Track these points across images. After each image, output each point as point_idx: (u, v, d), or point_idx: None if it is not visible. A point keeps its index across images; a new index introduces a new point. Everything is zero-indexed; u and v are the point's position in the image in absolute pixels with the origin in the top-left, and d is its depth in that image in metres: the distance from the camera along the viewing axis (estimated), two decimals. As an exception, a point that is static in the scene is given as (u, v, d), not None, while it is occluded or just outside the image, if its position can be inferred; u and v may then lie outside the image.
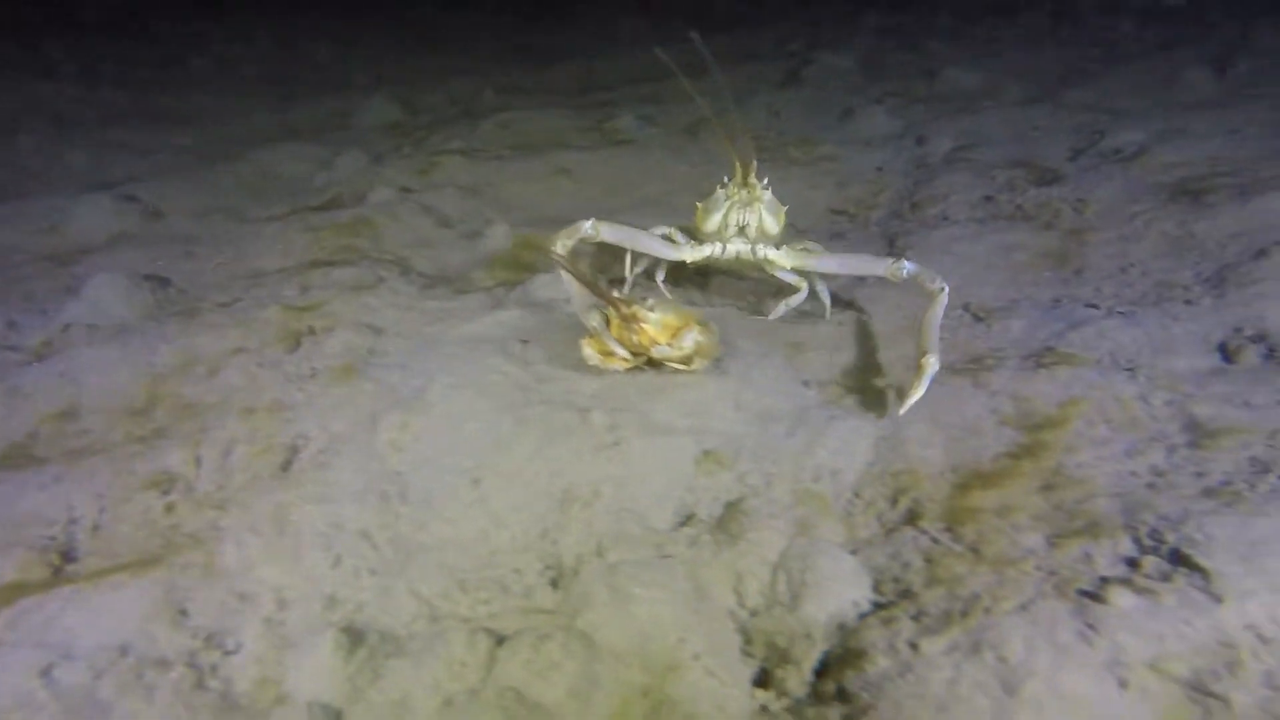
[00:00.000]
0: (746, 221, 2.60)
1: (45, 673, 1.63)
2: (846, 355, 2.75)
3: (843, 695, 1.55)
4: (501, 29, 10.26)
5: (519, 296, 2.99)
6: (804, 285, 2.81)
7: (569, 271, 2.28)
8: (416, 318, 2.93)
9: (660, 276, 3.03)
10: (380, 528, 1.99)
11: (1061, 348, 2.67)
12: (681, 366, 2.28)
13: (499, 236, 3.67)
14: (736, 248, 2.67)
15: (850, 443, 2.21)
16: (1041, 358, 2.59)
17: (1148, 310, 2.86)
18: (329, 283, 3.23)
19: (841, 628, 1.70)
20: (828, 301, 2.88)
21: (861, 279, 3.16)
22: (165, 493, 2.17)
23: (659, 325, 2.19)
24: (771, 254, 2.68)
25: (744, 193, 2.57)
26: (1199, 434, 2.21)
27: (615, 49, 8.33)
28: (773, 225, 2.63)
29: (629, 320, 2.17)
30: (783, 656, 1.69)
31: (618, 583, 1.72)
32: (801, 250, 2.74)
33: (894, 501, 2.08)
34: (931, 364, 2.21)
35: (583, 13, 10.78)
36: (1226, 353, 2.57)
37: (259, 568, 1.90)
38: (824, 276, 2.85)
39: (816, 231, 3.96)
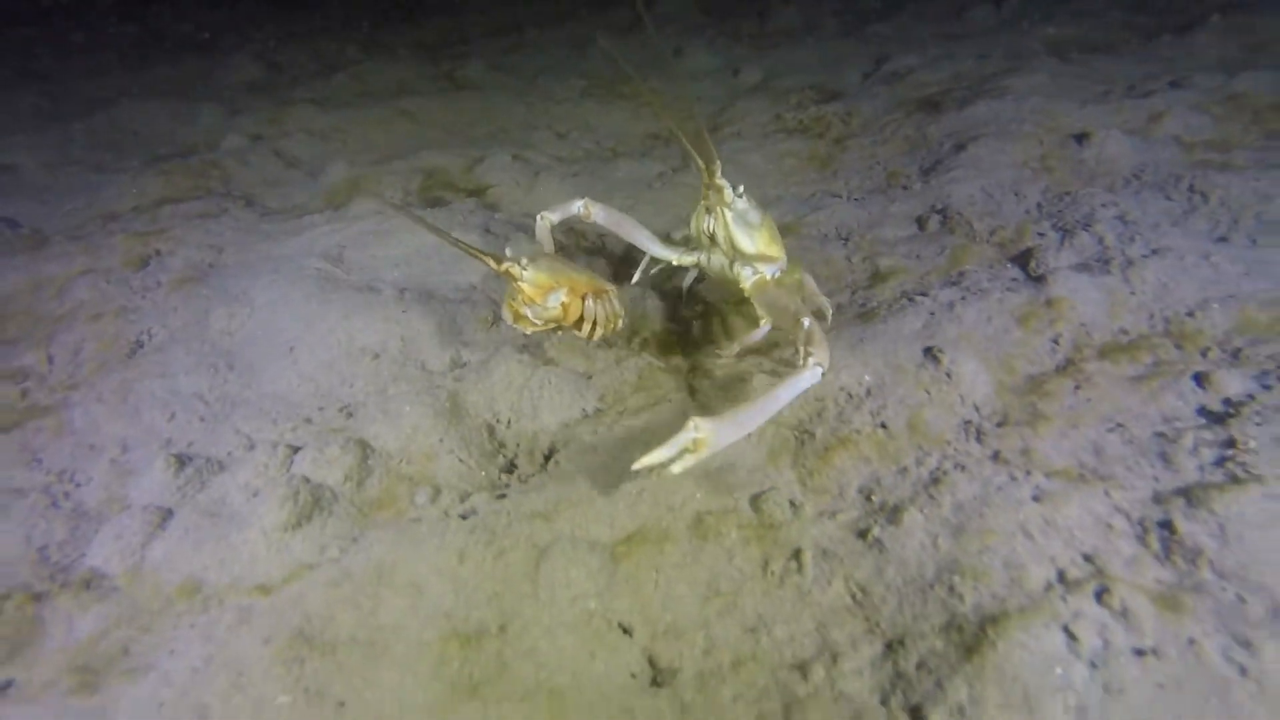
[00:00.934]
0: (714, 229, 2.23)
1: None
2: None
3: (554, 462, 2.08)
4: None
5: (340, 215, 3.39)
6: (766, 321, 2.22)
7: (451, 240, 2.02)
8: (254, 239, 3.30)
9: (636, 275, 2.62)
10: (210, 389, 2.41)
11: (798, 225, 3.25)
12: (578, 334, 2.21)
13: (337, 173, 4.03)
14: (717, 260, 2.30)
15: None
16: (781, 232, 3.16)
17: (876, 196, 3.46)
18: (176, 214, 3.54)
19: (566, 426, 2.22)
20: (736, 346, 2.34)
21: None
22: (19, 383, 2.53)
23: (533, 284, 2.07)
24: (744, 274, 2.24)
25: (711, 195, 2.19)
26: (875, 279, 2.81)
27: (486, 4, 8.56)
28: (745, 241, 2.21)
29: (506, 278, 2.08)
30: (526, 450, 2.21)
31: (391, 405, 2.20)
32: (772, 282, 2.24)
33: (632, 336, 2.61)
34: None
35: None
36: (920, 223, 3.19)
37: (104, 426, 2.30)
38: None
39: (633, 152, 4.46)
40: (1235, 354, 2.11)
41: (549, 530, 1.81)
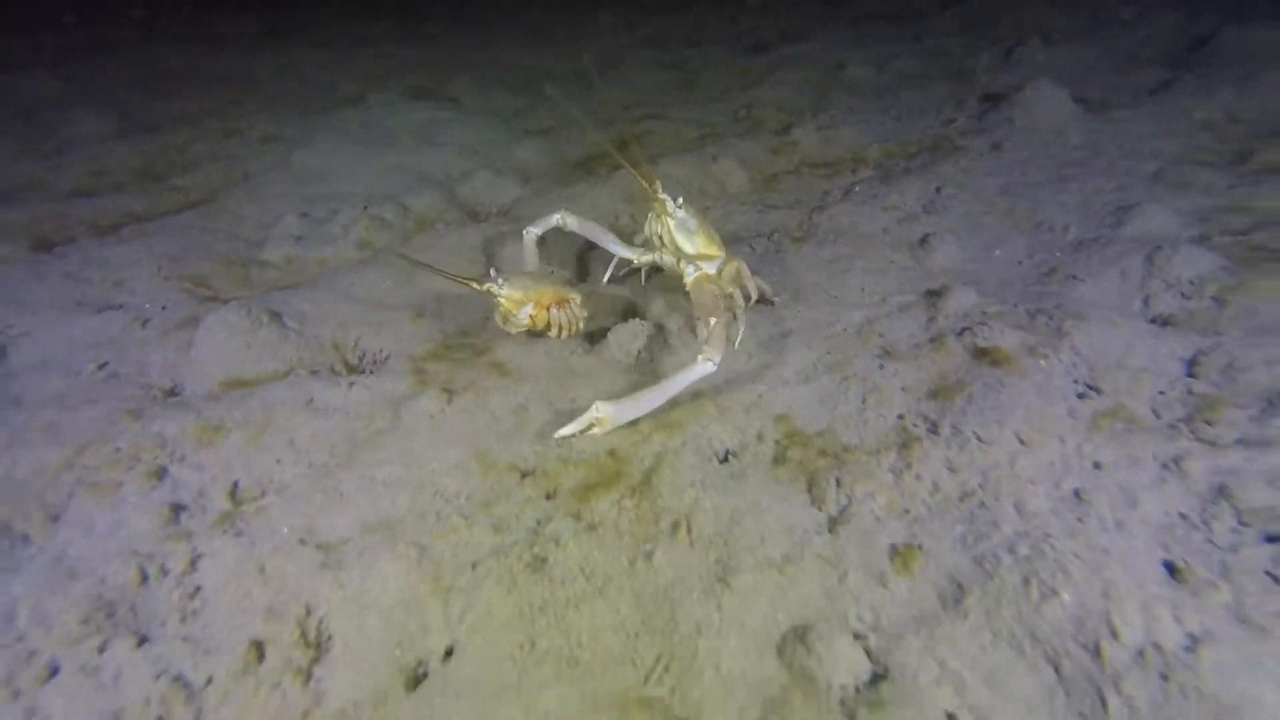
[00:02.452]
0: (660, 234, 2.55)
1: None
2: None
3: (510, 213, 3.79)
4: None
5: (358, 106, 5.02)
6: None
7: (438, 271, 2.43)
8: (303, 119, 4.89)
9: (606, 276, 2.90)
10: (302, 190, 4.03)
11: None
12: (549, 334, 2.52)
13: (347, 87, 5.60)
14: (667, 260, 2.62)
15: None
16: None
17: (716, 104, 5.22)
18: (244, 110, 5.10)
19: (517, 200, 3.92)
20: (737, 338, 2.47)
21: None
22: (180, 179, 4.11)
23: (508, 300, 2.40)
24: (687, 271, 2.55)
25: (655, 206, 2.52)
26: (705, 139, 4.57)
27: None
28: (685, 244, 2.51)
29: (488, 296, 2.41)
30: (494, 210, 3.89)
31: (415, 192, 3.87)
32: (709, 278, 2.51)
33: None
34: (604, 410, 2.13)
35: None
36: (735, 114, 4.96)
37: (246, 209, 3.91)
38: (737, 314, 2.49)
39: (559, 78, 6.12)
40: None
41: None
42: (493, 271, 2.40)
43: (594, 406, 2.13)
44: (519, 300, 2.40)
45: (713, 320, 2.24)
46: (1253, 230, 2.94)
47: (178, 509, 2.09)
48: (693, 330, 2.59)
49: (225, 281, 3.25)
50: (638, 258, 2.74)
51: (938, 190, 3.50)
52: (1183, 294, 2.68)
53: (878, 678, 1.58)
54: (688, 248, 2.53)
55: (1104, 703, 1.49)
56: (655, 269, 2.81)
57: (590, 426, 2.15)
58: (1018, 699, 1.52)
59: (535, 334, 2.58)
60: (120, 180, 4.20)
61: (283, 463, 2.25)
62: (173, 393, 2.59)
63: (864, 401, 2.31)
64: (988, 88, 4.63)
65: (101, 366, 2.69)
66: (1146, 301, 2.71)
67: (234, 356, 2.65)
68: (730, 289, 2.54)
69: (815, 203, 3.56)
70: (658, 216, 2.54)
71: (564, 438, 2.15)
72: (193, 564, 1.93)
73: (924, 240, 3.12)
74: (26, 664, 1.67)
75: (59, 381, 2.61)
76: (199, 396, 2.53)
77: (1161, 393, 2.28)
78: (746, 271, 2.60)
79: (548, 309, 2.44)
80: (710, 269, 2.56)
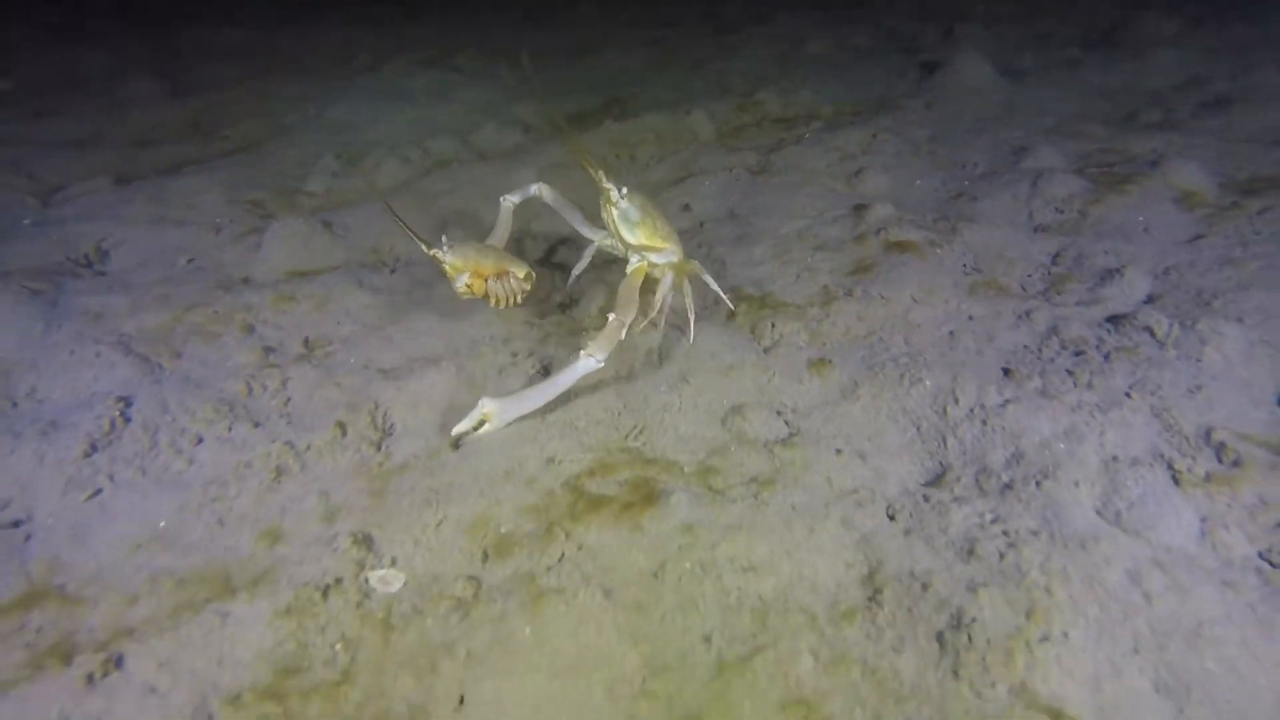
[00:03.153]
0: (606, 220, 2.58)
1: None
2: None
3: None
4: None
5: (374, 73, 5.63)
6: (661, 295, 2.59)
7: (401, 223, 2.36)
8: (331, 84, 5.49)
9: (580, 267, 2.92)
10: (349, 129, 4.64)
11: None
12: (489, 304, 2.52)
13: (364, 60, 6.20)
14: (617, 245, 2.65)
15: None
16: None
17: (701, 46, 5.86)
18: (274, 80, 5.69)
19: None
20: (690, 334, 2.57)
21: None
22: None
23: (450, 267, 2.43)
24: (632, 260, 2.57)
25: (601, 196, 2.53)
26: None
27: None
28: (627, 234, 2.54)
29: (434, 261, 2.42)
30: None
31: (474, 127, 4.49)
32: (647, 269, 2.57)
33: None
34: (491, 408, 2.20)
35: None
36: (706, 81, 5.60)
37: (282, 158, 4.51)
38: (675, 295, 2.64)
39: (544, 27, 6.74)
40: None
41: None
42: (444, 238, 2.45)
43: (481, 402, 2.21)
44: (458, 269, 2.42)
45: (610, 316, 2.28)
46: (1116, 165, 3.61)
47: (267, 350, 2.70)
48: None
49: (277, 205, 3.85)
50: (599, 240, 2.76)
51: (874, 137, 4.15)
52: (1057, 209, 3.34)
53: (791, 435, 2.22)
54: (629, 238, 2.55)
55: (944, 442, 2.14)
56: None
57: (480, 424, 2.23)
58: (889, 448, 2.16)
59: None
60: (175, 133, 4.79)
61: (342, 323, 2.87)
62: (246, 280, 3.20)
63: (798, 277, 2.96)
64: (927, 59, 5.29)
65: (189, 261, 3.29)
66: (1030, 215, 3.36)
67: (296, 253, 3.27)
68: (675, 287, 2.59)
69: (772, 147, 4.20)
70: (604, 205, 2.55)
71: (458, 435, 2.24)
72: (283, 384, 2.54)
73: (858, 173, 3.78)
74: (181, 434, 2.28)
75: (158, 272, 3.21)
76: (270, 282, 3.14)
77: (1029, 274, 2.94)
78: (702, 271, 2.63)
79: (485, 280, 2.48)
80: (658, 260, 2.56)
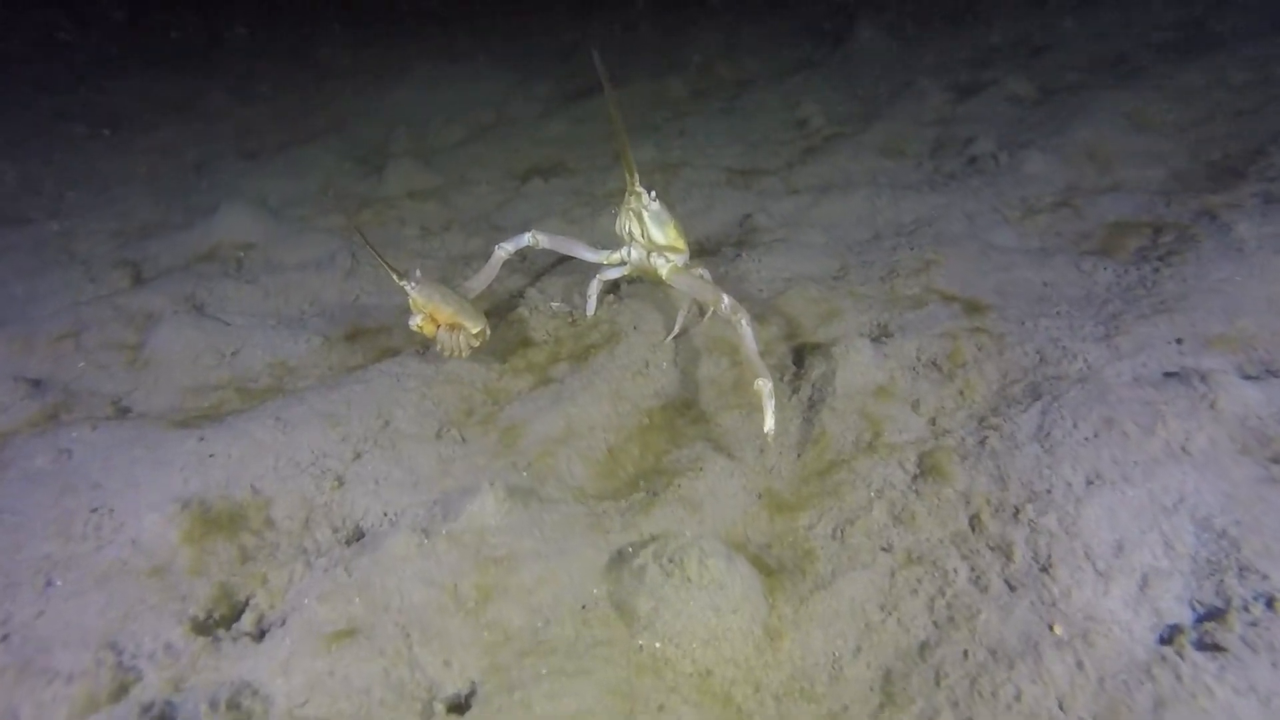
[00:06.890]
0: (633, 228, 2.56)
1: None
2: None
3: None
4: None
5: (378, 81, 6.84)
6: (684, 306, 2.74)
7: (378, 256, 2.34)
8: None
9: (593, 289, 2.89)
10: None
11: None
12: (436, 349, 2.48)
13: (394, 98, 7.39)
14: (636, 254, 2.62)
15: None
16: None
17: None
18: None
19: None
20: (676, 328, 2.73)
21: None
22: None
23: (412, 303, 2.40)
24: (659, 263, 2.58)
25: (632, 200, 2.52)
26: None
27: None
28: (658, 234, 2.56)
29: (401, 291, 2.38)
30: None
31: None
32: (683, 269, 2.61)
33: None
34: (764, 387, 2.17)
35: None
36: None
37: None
38: (692, 304, 2.76)
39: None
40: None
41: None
42: (418, 272, 2.42)
43: (762, 385, 2.18)
44: (418, 307, 2.41)
45: (712, 287, 2.42)
46: (968, 84, 5.09)
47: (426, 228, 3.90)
48: (701, 312, 2.79)
49: (379, 159, 5.03)
50: (607, 260, 2.69)
51: (806, 82, 5.56)
52: (935, 110, 4.77)
53: (783, 225, 3.53)
54: (659, 238, 2.56)
55: (874, 220, 3.48)
56: (630, 280, 2.88)
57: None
58: (847, 223, 3.48)
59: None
60: (271, 123, 5.93)
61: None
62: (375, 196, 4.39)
63: (769, 158, 4.30)
64: (837, 35, 6.77)
65: (325, 192, 4.47)
66: (918, 115, 4.78)
67: (413, 179, 4.47)
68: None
69: (733, 95, 5.57)
70: (632, 209, 2.54)
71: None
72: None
73: (798, 104, 5.16)
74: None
75: (300, 208, 4.36)
76: (395, 197, 4.34)
77: (920, 148, 4.33)
78: (708, 275, 2.67)
79: (437, 327, 2.45)
80: (678, 261, 2.61)
